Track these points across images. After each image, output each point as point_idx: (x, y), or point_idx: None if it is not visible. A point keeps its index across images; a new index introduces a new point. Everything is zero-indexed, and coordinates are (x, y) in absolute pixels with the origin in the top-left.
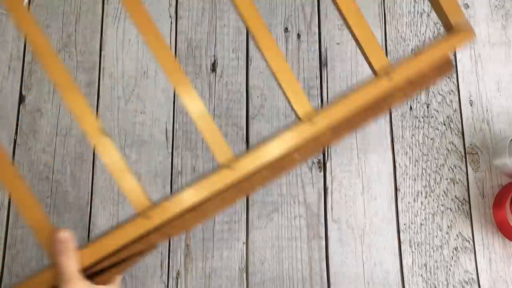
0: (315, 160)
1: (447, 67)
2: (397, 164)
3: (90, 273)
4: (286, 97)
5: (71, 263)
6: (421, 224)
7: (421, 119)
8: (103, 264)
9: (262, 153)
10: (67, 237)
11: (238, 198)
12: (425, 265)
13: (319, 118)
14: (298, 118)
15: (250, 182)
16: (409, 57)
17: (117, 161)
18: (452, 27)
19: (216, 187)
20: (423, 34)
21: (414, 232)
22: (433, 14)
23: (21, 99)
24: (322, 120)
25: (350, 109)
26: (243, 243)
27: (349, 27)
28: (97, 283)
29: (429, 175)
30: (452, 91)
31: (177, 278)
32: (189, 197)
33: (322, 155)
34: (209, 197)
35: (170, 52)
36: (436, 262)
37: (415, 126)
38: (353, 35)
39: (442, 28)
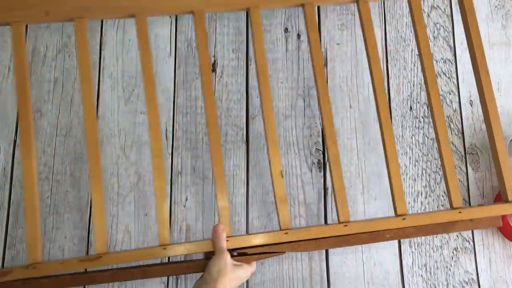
0: (315, 161)
1: (497, 221)
2: None
3: (237, 254)
4: (392, 196)
5: (223, 244)
6: None
7: (421, 119)
8: (247, 249)
9: (368, 225)
10: (222, 228)
11: (342, 245)
12: (425, 265)
13: (408, 218)
14: (395, 213)
15: (354, 238)
16: (476, 206)
17: (283, 191)
18: (508, 200)
19: (332, 233)
20: None
21: None
22: (433, 15)
23: None
24: (408, 220)
25: (430, 221)
26: None
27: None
28: (238, 261)
29: (429, 175)
30: (452, 91)
31: (177, 278)
32: (314, 232)
33: (322, 155)
34: (325, 236)
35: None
36: (436, 262)
37: (415, 126)
38: (444, 173)
39: (442, 29)
